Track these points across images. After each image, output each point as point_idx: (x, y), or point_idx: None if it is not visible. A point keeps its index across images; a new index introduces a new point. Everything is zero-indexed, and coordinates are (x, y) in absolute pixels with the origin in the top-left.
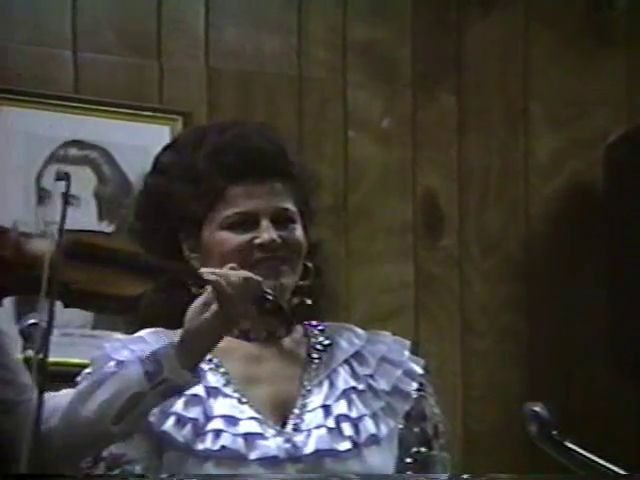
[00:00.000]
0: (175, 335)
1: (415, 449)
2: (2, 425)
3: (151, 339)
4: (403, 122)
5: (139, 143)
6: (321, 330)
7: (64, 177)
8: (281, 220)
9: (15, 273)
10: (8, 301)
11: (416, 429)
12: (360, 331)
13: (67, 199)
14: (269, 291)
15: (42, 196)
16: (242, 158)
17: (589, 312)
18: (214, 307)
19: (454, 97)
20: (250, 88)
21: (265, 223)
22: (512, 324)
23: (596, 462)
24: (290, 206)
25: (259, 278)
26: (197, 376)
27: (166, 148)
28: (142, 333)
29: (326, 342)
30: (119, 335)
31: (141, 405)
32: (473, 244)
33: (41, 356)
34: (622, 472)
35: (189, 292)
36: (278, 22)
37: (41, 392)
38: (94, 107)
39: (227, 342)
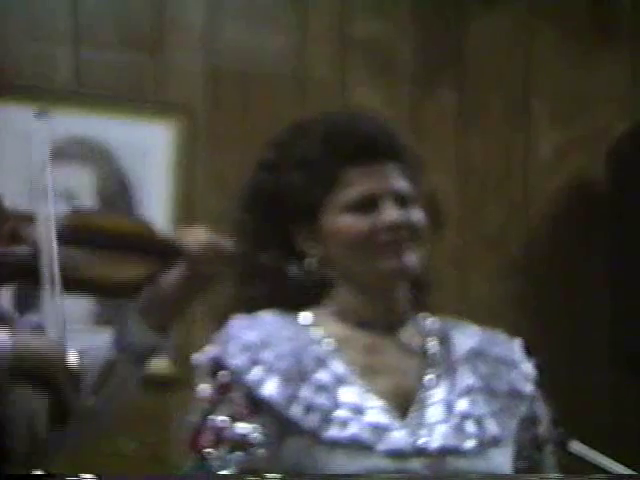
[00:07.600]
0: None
1: (528, 452)
2: None
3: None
4: (404, 119)
5: (139, 140)
6: (433, 323)
7: (43, 115)
8: (401, 201)
9: (11, 260)
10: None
11: (530, 431)
12: (474, 327)
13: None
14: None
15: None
16: (355, 141)
17: (590, 309)
18: (179, 267)
19: (455, 93)
20: (250, 86)
21: (387, 203)
22: (513, 322)
23: (598, 460)
24: (407, 188)
25: (222, 240)
26: (165, 337)
27: (269, 147)
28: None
29: (441, 336)
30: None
31: (115, 374)
32: (474, 241)
33: None
34: (623, 470)
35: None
36: (279, 19)
37: None
38: (94, 104)
39: (345, 331)
